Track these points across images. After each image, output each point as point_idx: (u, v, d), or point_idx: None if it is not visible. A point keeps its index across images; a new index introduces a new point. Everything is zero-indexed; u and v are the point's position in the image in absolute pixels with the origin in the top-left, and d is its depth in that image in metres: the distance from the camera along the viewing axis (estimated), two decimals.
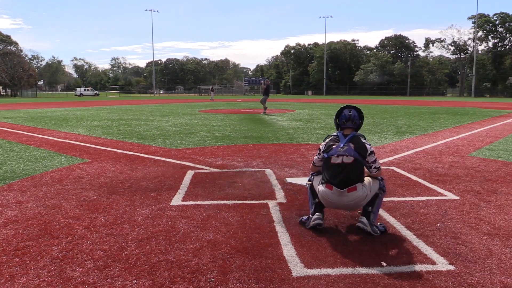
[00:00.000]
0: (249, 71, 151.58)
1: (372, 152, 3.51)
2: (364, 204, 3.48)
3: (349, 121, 3.56)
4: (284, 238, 3.35)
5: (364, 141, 3.54)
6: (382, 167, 4.18)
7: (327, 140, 3.62)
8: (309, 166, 3.84)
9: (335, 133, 3.64)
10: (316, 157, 3.70)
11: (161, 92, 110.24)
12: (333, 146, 3.49)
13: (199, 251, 3.07)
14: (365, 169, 3.56)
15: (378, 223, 3.55)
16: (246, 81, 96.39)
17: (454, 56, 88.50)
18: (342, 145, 3.45)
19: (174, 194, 4.64)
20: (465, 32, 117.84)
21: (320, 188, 3.51)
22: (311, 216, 3.59)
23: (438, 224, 3.68)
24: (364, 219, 3.47)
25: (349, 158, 3.40)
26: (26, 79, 77.45)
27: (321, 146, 3.65)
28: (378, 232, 3.43)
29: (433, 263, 2.89)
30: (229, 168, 6.17)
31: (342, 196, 3.39)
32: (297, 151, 7.88)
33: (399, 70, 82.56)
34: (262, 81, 22.11)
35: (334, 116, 3.72)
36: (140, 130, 11.86)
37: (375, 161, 3.53)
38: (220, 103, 35.77)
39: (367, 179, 3.54)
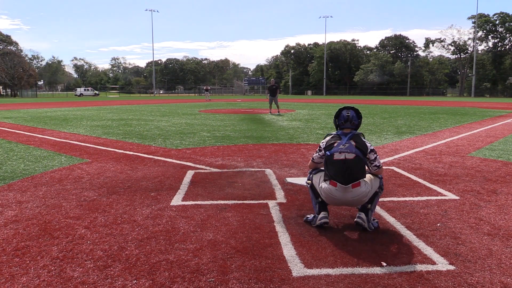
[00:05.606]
0: (249, 71, 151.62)
1: (372, 150, 3.57)
2: (366, 200, 3.53)
3: (348, 122, 3.62)
4: (284, 238, 3.35)
5: (364, 139, 3.60)
6: (383, 167, 4.20)
7: (328, 138, 3.66)
8: (309, 164, 3.90)
9: (335, 132, 3.69)
10: (317, 154, 3.72)
11: (161, 92, 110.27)
12: (335, 144, 3.53)
13: (199, 251, 3.07)
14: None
15: (373, 218, 3.66)
16: (246, 81, 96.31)
17: (454, 56, 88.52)
18: (344, 142, 3.49)
19: (174, 194, 4.65)
20: (465, 32, 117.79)
21: (323, 185, 3.53)
22: (317, 215, 3.64)
23: (438, 224, 3.68)
24: (363, 215, 3.54)
25: (351, 154, 3.44)
26: (26, 79, 77.47)
27: (321, 144, 3.68)
28: (373, 228, 3.55)
29: (433, 263, 2.89)
30: (229, 168, 6.17)
31: (347, 192, 3.43)
32: (297, 151, 7.88)
33: (399, 70, 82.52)
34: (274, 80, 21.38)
35: (334, 117, 3.78)
36: (140, 130, 11.86)
37: (375, 159, 3.58)
38: (220, 103, 35.76)
39: (368, 176, 3.60)
